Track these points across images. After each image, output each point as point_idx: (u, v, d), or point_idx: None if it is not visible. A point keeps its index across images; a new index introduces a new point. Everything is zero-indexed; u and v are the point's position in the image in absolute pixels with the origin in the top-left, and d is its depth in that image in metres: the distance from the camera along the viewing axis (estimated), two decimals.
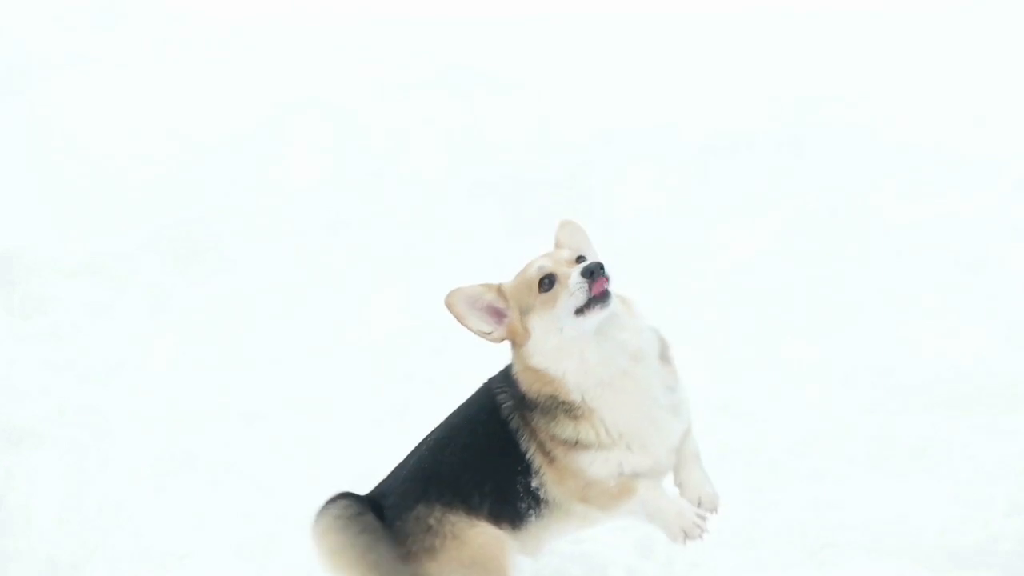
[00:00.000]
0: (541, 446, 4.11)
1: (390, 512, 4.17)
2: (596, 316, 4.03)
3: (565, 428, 4.07)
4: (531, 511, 4.16)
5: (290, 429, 5.49)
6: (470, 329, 4.14)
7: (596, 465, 4.09)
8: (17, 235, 7.07)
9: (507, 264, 6.72)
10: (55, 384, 5.78)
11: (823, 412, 5.36)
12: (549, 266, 4.14)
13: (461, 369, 5.85)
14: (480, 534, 4.13)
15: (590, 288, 4.03)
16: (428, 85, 8.88)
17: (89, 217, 7.30)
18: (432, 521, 4.14)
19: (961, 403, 5.34)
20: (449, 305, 4.14)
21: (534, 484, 4.14)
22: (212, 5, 10.59)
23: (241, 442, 5.41)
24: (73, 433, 5.44)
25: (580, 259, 4.17)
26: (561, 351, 4.06)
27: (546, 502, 4.16)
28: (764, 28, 9.67)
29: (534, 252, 6.81)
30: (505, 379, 4.20)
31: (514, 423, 4.14)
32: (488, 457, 4.17)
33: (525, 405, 4.11)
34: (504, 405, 4.16)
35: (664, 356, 4.20)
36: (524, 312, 4.10)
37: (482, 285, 4.17)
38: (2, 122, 8.66)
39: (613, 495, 4.12)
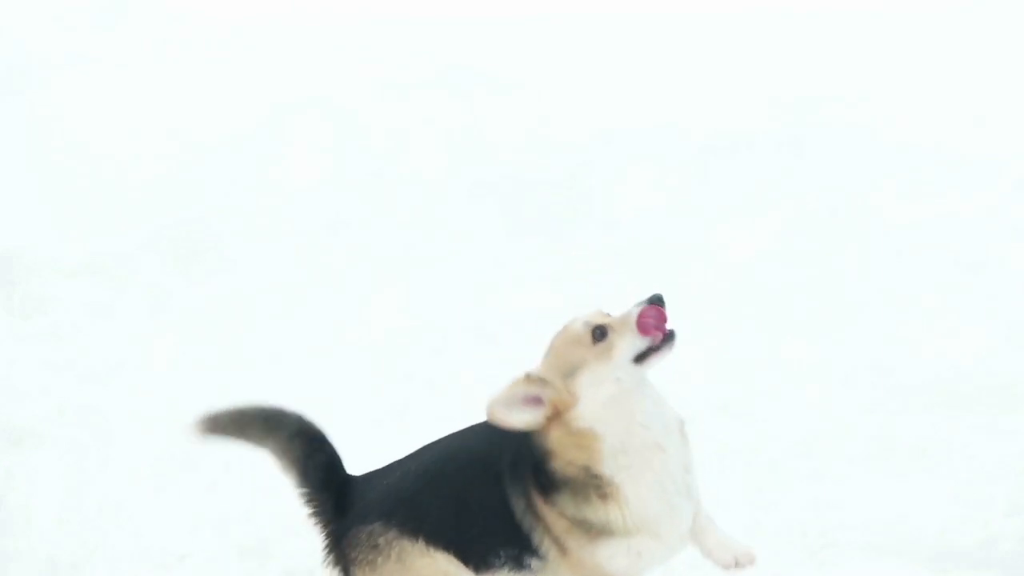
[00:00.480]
0: (555, 538, 3.85)
1: (352, 511, 4.06)
2: (660, 359, 3.76)
3: (596, 511, 3.78)
4: (509, 570, 3.93)
5: None
6: (514, 424, 3.79)
7: (617, 557, 3.83)
8: (17, 235, 7.07)
9: (507, 264, 6.78)
10: (55, 384, 5.77)
11: (823, 412, 5.36)
12: (597, 319, 3.84)
13: (461, 369, 5.88)
14: (428, 565, 3.93)
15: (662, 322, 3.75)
16: (428, 85, 8.89)
17: (89, 217, 7.30)
18: (382, 541, 3.97)
19: (961, 403, 5.34)
20: (495, 419, 3.78)
21: (530, 563, 3.90)
22: (212, 5, 10.59)
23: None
24: (73, 433, 5.44)
25: (599, 331, 3.82)
26: (614, 404, 3.75)
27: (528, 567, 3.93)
28: (764, 28, 9.67)
29: (534, 252, 6.88)
30: (518, 458, 3.90)
31: (518, 506, 3.88)
32: (480, 521, 3.93)
33: (549, 486, 3.82)
34: (511, 486, 3.89)
35: (683, 432, 3.94)
36: (569, 375, 3.77)
37: (510, 384, 3.81)
38: (2, 122, 8.66)
39: None
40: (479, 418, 5.45)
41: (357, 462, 5.18)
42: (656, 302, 3.81)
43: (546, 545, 3.87)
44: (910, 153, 7.52)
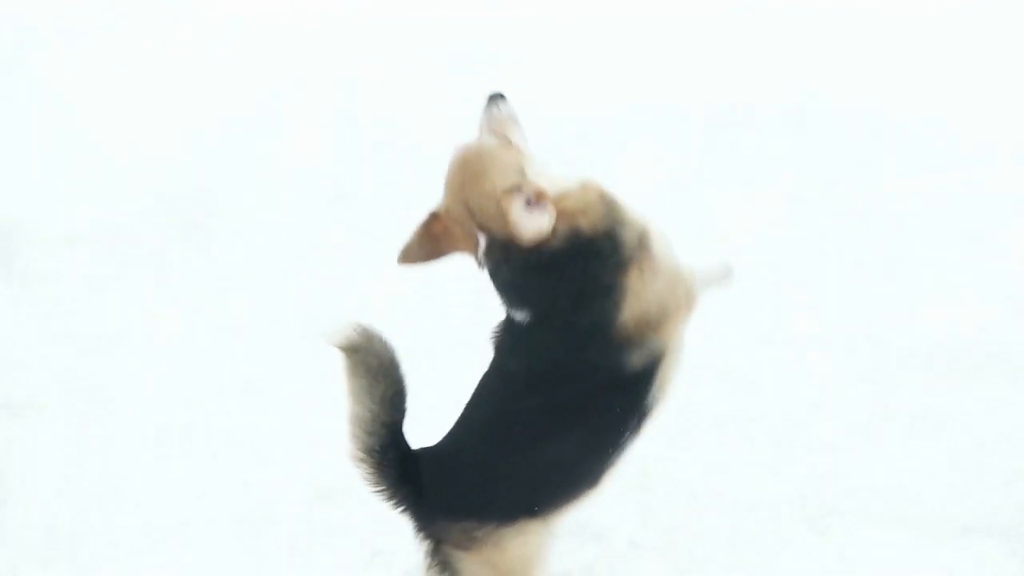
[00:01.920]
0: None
1: (434, 500, 3.87)
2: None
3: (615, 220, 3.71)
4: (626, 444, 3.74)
5: (291, 402, 5.49)
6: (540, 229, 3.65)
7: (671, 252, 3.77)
8: (17, 205, 7.07)
9: None
10: (55, 355, 5.78)
11: (823, 382, 5.36)
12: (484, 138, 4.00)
13: (461, 344, 5.88)
14: (523, 544, 3.79)
15: None
16: (428, 60, 8.87)
17: (90, 188, 7.30)
18: (479, 535, 3.81)
19: (961, 373, 5.34)
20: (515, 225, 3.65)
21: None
22: None
23: (242, 414, 5.41)
24: (73, 404, 5.44)
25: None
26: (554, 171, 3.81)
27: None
28: (765, 2, 9.64)
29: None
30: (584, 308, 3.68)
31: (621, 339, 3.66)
32: (585, 434, 3.74)
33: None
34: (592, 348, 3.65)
35: None
36: (522, 173, 3.75)
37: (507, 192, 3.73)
38: (5, 93, 8.66)
39: (695, 286, 3.85)
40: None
41: None
42: (495, 99, 4.00)
43: (654, 339, 3.68)
44: (911, 126, 7.52)
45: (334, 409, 5.41)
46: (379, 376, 4.07)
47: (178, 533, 4.78)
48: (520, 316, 3.83)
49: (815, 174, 7.15)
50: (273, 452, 5.17)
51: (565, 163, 4.05)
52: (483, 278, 6.28)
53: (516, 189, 3.65)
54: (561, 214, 3.63)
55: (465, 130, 7.79)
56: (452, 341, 5.87)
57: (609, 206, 3.72)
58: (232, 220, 6.96)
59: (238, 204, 7.13)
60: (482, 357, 5.69)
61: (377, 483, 3.97)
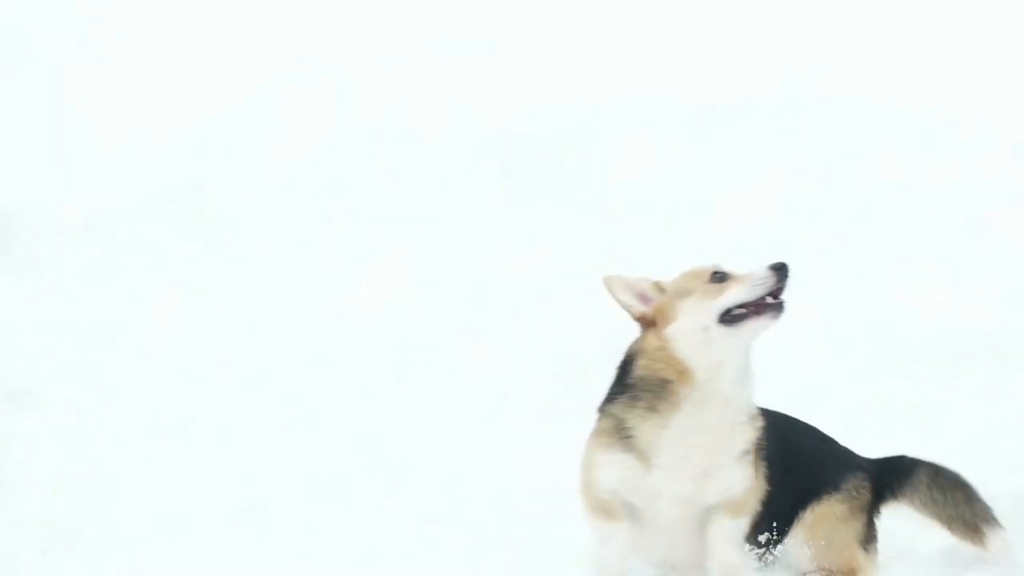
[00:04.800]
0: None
1: None
2: (761, 326, 3.99)
3: (634, 419, 4.03)
4: None
5: (289, 392, 5.50)
6: (617, 300, 4.14)
7: (610, 470, 4.07)
8: (16, 195, 7.07)
9: (505, 227, 6.78)
10: (53, 345, 5.78)
11: (822, 372, 5.37)
12: (724, 268, 4.10)
13: (459, 330, 5.88)
14: None
15: (778, 288, 4.00)
16: (427, 49, 8.86)
17: (89, 178, 7.30)
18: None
19: (959, 363, 5.35)
20: (604, 281, 4.16)
21: None
22: None
23: (240, 404, 5.42)
24: (71, 394, 5.44)
25: (719, 275, 4.09)
26: (705, 347, 3.97)
27: None
28: None
29: (533, 215, 6.87)
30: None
31: None
32: None
33: (617, 388, 4.12)
34: None
35: (749, 421, 4.10)
36: (679, 295, 4.05)
37: (641, 277, 4.18)
38: (3, 85, 8.64)
39: (592, 505, 4.13)
40: (473, 376, 5.50)
41: (356, 425, 5.23)
42: (776, 269, 4.03)
43: None
44: (908, 117, 7.52)
45: (334, 400, 5.46)
46: None
47: (175, 522, 4.76)
48: None
49: (812, 163, 7.15)
50: (272, 443, 5.17)
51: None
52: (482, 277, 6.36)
53: (655, 281, 4.13)
54: (644, 338, 4.09)
55: (463, 118, 7.85)
56: (448, 333, 5.88)
57: (659, 396, 4.02)
58: (230, 209, 6.97)
59: (236, 193, 7.13)
60: (477, 352, 5.74)
61: None
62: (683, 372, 3.98)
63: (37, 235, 6.64)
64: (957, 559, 4.34)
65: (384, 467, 4.97)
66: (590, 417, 5.08)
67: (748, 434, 4.08)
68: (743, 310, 3.98)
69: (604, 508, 4.11)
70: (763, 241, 6.41)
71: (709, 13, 9.32)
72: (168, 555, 4.59)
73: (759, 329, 4.01)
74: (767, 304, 3.99)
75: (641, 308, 4.09)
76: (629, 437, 4.03)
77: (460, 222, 6.86)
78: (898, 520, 4.46)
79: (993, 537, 4.21)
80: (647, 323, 4.09)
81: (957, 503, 4.27)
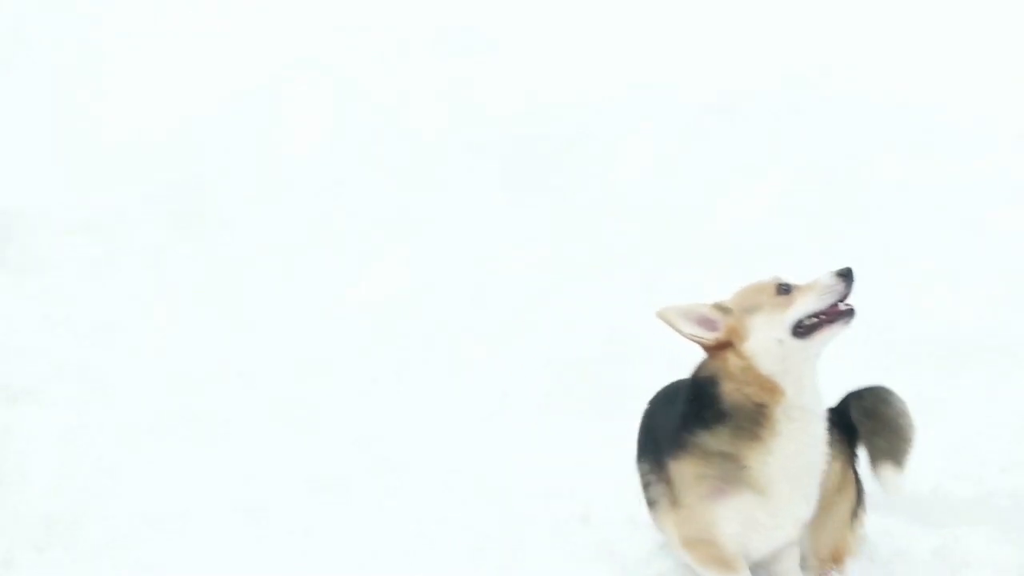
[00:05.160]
0: (673, 491, 4.04)
1: None
2: (833, 333, 3.95)
3: (742, 449, 3.92)
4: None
5: (289, 391, 5.50)
6: (682, 334, 3.99)
7: (732, 518, 3.97)
8: (15, 193, 7.08)
9: (505, 225, 6.78)
10: (53, 342, 5.78)
11: (821, 370, 5.34)
12: (784, 279, 4.05)
13: (459, 329, 5.89)
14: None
15: (846, 294, 3.96)
16: (426, 46, 8.86)
17: (88, 176, 7.31)
18: None
19: (958, 361, 5.35)
20: (660, 316, 4.02)
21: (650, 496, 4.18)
22: None
23: (240, 403, 5.42)
24: (70, 391, 5.45)
25: (783, 286, 4.03)
26: (782, 361, 3.92)
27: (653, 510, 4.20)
28: None
29: (533, 213, 6.87)
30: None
31: (645, 466, 4.19)
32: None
33: (705, 417, 3.97)
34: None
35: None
36: (747, 312, 3.97)
37: (695, 302, 4.05)
38: (3, 84, 8.65)
39: (715, 560, 4.04)
40: (473, 376, 5.51)
41: (356, 422, 5.24)
42: (843, 276, 3.99)
43: (659, 495, 4.10)
44: (908, 114, 7.51)
45: (333, 398, 5.46)
46: None
47: (174, 521, 4.77)
48: None
49: (812, 161, 7.15)
50: (272, 440, 5.17)
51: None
52: (482, 275, 6.37)
53: (716, 303, 4.03)
54: (721, 361, 3.97)
55: (463, 118, 7.86)
56: (448, 332, 5.88)
57: (759, 424, 3.93)
58: (229, 207, 6.97)
59: (235, 190, 7.13)
60: (476, 350, 5.75)
61: None
62: (774, 391, 3.90)
63: (37, 234, 6.65)
64: (953, 558, 4.35)
65: (384, 467, 4.98)
66: (589, 417, 5.14)
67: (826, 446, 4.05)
68: (814, 319, 3.94)
69: (726, 560, 4.04)
70: (763, 240, 6.42)
71: (709, 13, 9.32)
72: (167, 554, 4.60)
73: (831, 337, 3.97)
74: (838, 311, 3.96)
75: (713, 335, 3.97)
76: (742, 469, 3.93)
77: (460, 221, 6.86)
78: (896, 520, 4.48)
79: (890, 476, 4.20)
80: (721, 347, 3.97)
81: (886, 430, 4.25)
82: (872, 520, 4.37)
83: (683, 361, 4.96)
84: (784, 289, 3.99)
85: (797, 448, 3.93)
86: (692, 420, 3.99)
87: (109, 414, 5.34)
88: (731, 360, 3.94)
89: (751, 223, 6.59)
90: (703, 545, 4.02)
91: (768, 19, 9.08)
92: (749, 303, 3.98)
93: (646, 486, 4.21)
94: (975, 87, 7.81)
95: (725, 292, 5.89)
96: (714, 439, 3.94)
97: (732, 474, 3.93)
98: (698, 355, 5.11)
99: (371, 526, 4.65)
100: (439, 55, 8.70)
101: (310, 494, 4.85)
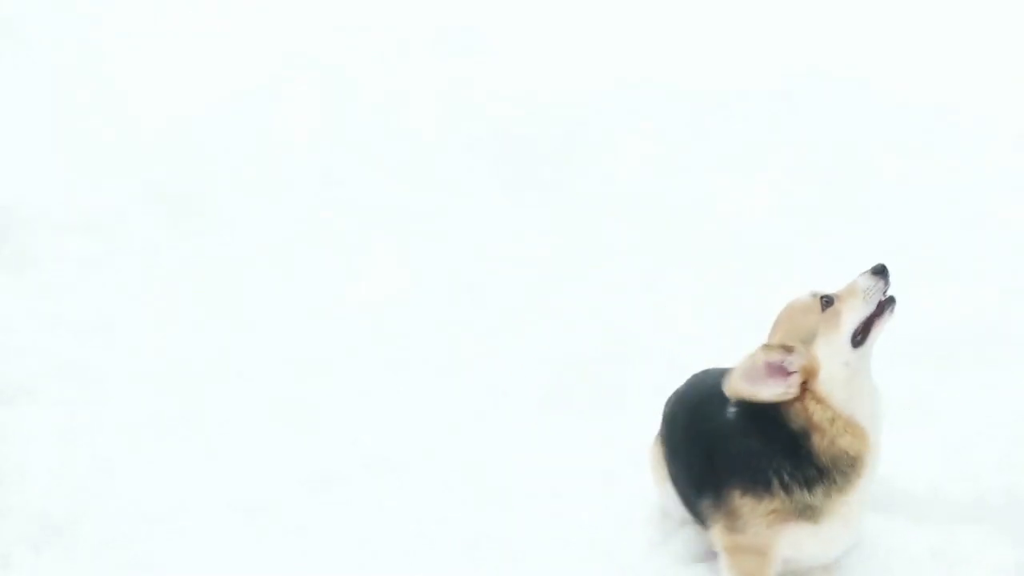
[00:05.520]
0: (732, 525, 3.96)
1: None
2: (881, 330, 3.90)
3: (832, 501, 3.86)
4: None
5: (287, 390, 5.49)
6: (765, 397, 3.83)
7: (806, 543, 3.93)
8: (9, 190, 7.03)
9: (502, 221, 6.78)
10: (48, 340, 5.76)
11: None
12: (820, 291, 3.95)
13: (459, 328, 5.88)
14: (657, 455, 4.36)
15: (885, 291, 3.88)
16: (423, 44, 8.84)
17: (82, 172, 7.28)
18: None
19: (955, 358, 5.34)
20: (735, 393, 3.86)
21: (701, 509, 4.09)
22: None
23: (238, 402, 5.41)
24: (66, 389, 5.43)
25: (825, 299, 3.94)
26: (852, 386, 3.86)
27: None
28: None
29: (530, 209, 6.87)
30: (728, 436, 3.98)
31: (706, 493, 4.05)
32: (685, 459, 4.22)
33: (798, 471, 3.85)
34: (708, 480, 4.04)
35: None
36: (807, 341, 3.86)
37: (748, 356, 3.88)
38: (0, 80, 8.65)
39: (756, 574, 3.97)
40: (472, 375, 5.50)
41: (353, 421, 5.24)
42: (879, 273, 3.95)
43: (714, 515, 4.01)
44: (905, 108, 7.51)
45: (330, 396, 5.46)
46: None
47: (172, 519, 4.77)
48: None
49: (809, 157, 7.15)
50: (268, 441, 5.17)
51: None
52: (480, 272, 6.36)
53: (773, 350, 3.85)
54: (802, 410, 3.82)
55: (460, 116, 7.85)
56: (446, 329, 5.87)
57: (845, 474, 3.86)
58: (225, 204, 6.95)
59: (231, 188, 7.11)
60: (474, 348, 5.74)
61: None
62: (864, 437, 3.85)
63: (33, 231, 6.62)
64: (950, 557, 4.35)
65: (383, 466, 4.98)
66: (589, 417, 5.14)
67: None
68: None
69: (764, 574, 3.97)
70: (763, 238, 6.42)
71: (707, 11, 9.30)
72: (164, 553, 4.61)
73: (881, 333, 3.94)
74: (881, 306, 3.93)
75: (795, 384, 3.81)
76: (814, 510, 3.86)
77: (458, 220, 6.85)
78: (893, 519, 4.48)
79: None
80: (803, 391, 3.83)
81: None
82: (870, 519, 4.37)
83: (683, 361, 5.00)
84: (827, 302, 3.90)
85: (868, 488, 3.91)
86: (787, 473, 3.84)
87: (106, 413, 5.32)
88: (813, 409, 3.82)
89: (750, 221, 6.59)
90: (748, 559, 3.95)
91: (767, 16, 9.07)
92: (804, 331, 3.87)
93: (696, 501, 4.10)
94: (976, 85, 7.81)
95: (725, 292, 5.94)
96: (809, 496, 3.85)
97: (808, 515, 3.87)
98: (696, 355, 5.20)
99: (370, 525, 4.66)
100: (437, 54, 8.69)
101: (308, 493, 4.85)
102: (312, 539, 4.62)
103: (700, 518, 4.16)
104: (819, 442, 3.82)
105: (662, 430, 4.38)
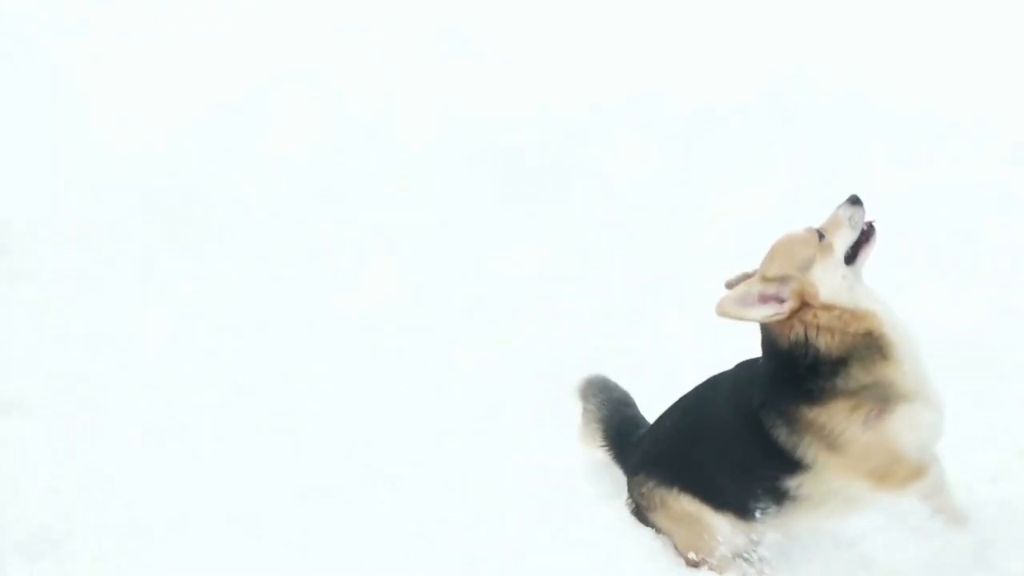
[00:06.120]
0: (830, 438, 4.18)
1: (630, 461, 4.71)
2: (870, 250, 4.36)
3: (884, 370, 4.18)
4: (763, 510, 4.36)
5: (281, 400, 5.50)
6: (751, 319, 4.27)
7: (903, 430, 4.19)
8: (5, 204, 7.05)
9: (497, 234, 6.78)
10: (44, 353, 5.77)
11: None
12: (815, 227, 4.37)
13: (455, 339, 5.88)
14: (680, 509, 4.50)
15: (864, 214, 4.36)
16: (417, 55, 8.85)
17: (78, 187, 7.29)
18: (645, 490, 4.56)
19: (950, 371, 5.25)
20: (723, 314, 4.26)
21: (790, 484, 4.27)
22: None
23: (232, 413, 5.42)
24: (62, 402, 5.43)
25: (820, 232, 4.35)
26: (854, 291, 4.27)
27: (793, 499, 4.30)
28: None
29: (525, 222, 6.88)
30: (770, 385, 4.31)
31: (779, 429, 4.25)
32: (741, 467, 4.37)
33: (827, 370, 4.17)
34: (767, 414, 4.28)
35: None
36: (804, 269, 4.25)
37: (744, 284, 4.31)
38: None
39: (912, 473, 4.26)
40: (469, 386, 5.51)
41: (345, 433, 5.23)
42: (855, 202, 4.44)
43: (813, 453, 4.22)
44: (900, 122, 7.51)
45: (323, 408, 5.46)
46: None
47: (167, 531, 4.77)
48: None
49: (808, 168, 7.15)
50: (262, 452, 5.17)
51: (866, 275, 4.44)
52: (474, 285, 6.37)
53: (766, 278, 4.27)
54: (807, 323, 4.20)
55: (455, 125, 7.86)
56: (440, 342, 5.88)
57: (877, 347, 4.23)
58: (220, 217, 6.96)
59: (226, 201, 7.12)
60: (469, 360, 5.74)
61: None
62: (866, 315, 4.21)
63: (27, 245, 6.63)
64: (946, 568, 4.35)
65: (377, 476, 4.98)
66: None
67: None
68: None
69: (918, 468, 4.29)
70: (759, 247, 6.39)
71: (703, 21, 9.32)
72: (159, 565, 4.61)
73: (869, 253, 4.38)
74: (865, 231, 4.38)
75: (786, 307, 4.21)
76: (890, 387, 4.19)
77: (453, 230, 6.86)
78: (888, 530, 4.48)
79: None
80: (794, 313, 4.20)
81: None
82: (864, 531, 4.38)
83: (679, 372, 5.01)
84: (821, 235, 4.32)
85: (915, 345, 4.28)
86: (804, 382, 4.19)
87: (102, 425, 5.33)
88: (819, 317, 4.19)
89: (747, 230, 6.56)
90: (893, 465, 4.22)
91: (763, 30, 9.07)
92: (800, 260, 4.27)
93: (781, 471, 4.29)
94: (973, 97, 7.81)
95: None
96: (849, 379, 4.17)
97: (884, 395, 4.18)
98: (692, 365, 5.20)
99: (364, 535, 4.65)
100: (432, 64, 8.70)
101: (303, 503, 4.85)
102: (307, 550, 4.62)
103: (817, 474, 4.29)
104: (827, 342, 4.18)
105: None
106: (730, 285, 4.42)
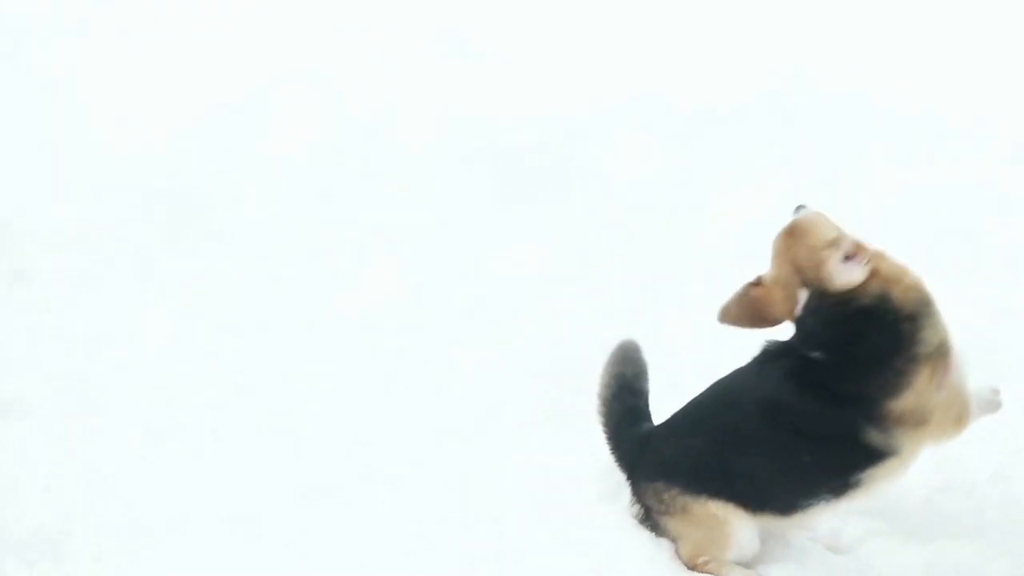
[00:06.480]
0: (916, 414, 4.19)
1: (641, 465, 4.54)
2: None
3: (941, 322, 4.25)
4: (814, 504, 4.31)
5: (280, 400, 5.49)
6: (859, 280, 4.22)
7: (961, 370, 4.30)
8: (3, 205, 7.05)
9: (497, 235, 6.79)
10: (43, 354, 5.76)
11: None
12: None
13: (455, 339, 5.88)
14: (707, 514, 4.38)
15: None
16: (417, 55, 8.86)
17: (76, 187, 7.29)
18: (667, 497, 4.44)
19: None
20: (833, 275, 4.26)
21: (865, 475, 4.25)
22: None
23: (231, 413, 5.41)
24: (61, 403, 5.43)
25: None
26: None
27: (856, 486, 4.27)
28: None
29: (525, 223, 6.88)
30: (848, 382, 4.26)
31: (869, 432, 4.23)
32: (809, 471, 4.31)
33: (907, 334, 4.18)
34: (855, 419, 4.22)
35: None
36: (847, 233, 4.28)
37: (832, 253, 4.31)
38: None
39: (970, 412, 4.37)
40: (468, 386, 5.51)
41: (345, 434, 5.23)
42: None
43: (902, 438, 4.21)
44: (900, 122, 7.52)
45: (322, 409, 5.46)
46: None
47: (166, 532, 4.76)
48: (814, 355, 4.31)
49: (808, 168, 7.16)
50: (261, 452, 5.16)
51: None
52: (474, 286, 6.37)
53: (836, 242, 4.28)
54: (875, 274, 4.22)
55: (455, 125, 7.86)
56: (440, 343, 5.88)
57: (923, 297, 4.28)
58: (219, 217, 6.96)
59: (225, 201, 7.12)
60: (468, 361, 5.74)
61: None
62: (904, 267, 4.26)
63: (25, 246, 6.62)
64: (945, 571, 4.35)
65: (376, 476, 4.97)
66: (586, 424, 5.13)
67: None
68: None
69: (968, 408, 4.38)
70: (760, 247, 6.39)
71: (703, 21, 9.33)
72: (158, 566, 4.59)
73: None
74: None
75: (866, 256, 4.24)
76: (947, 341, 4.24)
77: (452, 230, 6.86)
78: (887, 533, 4.48)
79: None
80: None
81: None
82: (862, 534, 4.38)
83: (679, 372, 5.00)
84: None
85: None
86: (904, 339, 4.18)
87: (101, 425, 5.32)
88: (879, 268, 4.21)
89: (747, 231, 6.57)
90: (964, 407, 4.35)
91: (763, 29, 9.08)
92: (833, 223, 4.36)
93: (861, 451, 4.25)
94: (973, 96, 7.83)
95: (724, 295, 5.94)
96: (925, 344, 4.21)
97: (944, 350, 4.23)
98: (692, 366, 5.19)
99: (364, 536, 4.64)
100: (431, 64, 8.71)
101: (302, 504, 4.84)
102: (307, 550, 4.61)
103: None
104: (898, 293, 4.21)
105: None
106: (726, 312, 4.48)
